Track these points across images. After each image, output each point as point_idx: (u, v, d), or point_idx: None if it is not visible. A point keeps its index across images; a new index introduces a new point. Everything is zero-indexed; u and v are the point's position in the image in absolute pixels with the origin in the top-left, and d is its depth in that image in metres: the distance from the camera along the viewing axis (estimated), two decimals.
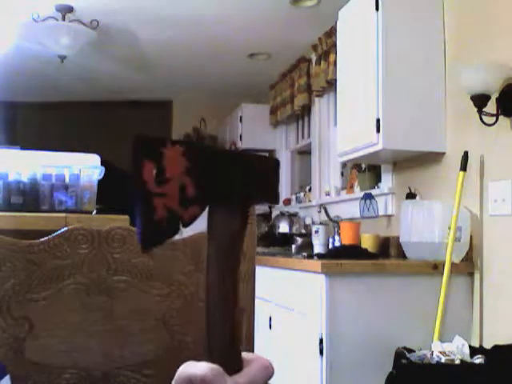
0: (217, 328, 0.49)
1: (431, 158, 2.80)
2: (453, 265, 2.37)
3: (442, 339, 2.25)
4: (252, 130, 5.31)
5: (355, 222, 3.22)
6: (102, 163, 1.69)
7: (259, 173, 0.51)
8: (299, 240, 3.79)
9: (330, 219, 3.54)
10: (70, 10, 3.68)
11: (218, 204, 0.48)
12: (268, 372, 0.49)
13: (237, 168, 0.49)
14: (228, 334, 0.49)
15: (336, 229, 3.37)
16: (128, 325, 0.97)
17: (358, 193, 3.52)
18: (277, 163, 0.53)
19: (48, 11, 3.66)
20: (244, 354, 0.50)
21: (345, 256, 2.57)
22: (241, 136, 5.32)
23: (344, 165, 3.93)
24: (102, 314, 0.96)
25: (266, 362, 0.50)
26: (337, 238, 3.32)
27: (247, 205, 0.51)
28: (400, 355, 2.13)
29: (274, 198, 0.52)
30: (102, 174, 1.67)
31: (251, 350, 1.03)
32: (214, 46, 4.39)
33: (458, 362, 2.02)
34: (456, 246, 2.38)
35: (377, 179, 3.49)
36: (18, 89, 5.53)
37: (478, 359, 2.05)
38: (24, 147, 2.69)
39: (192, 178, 0.46)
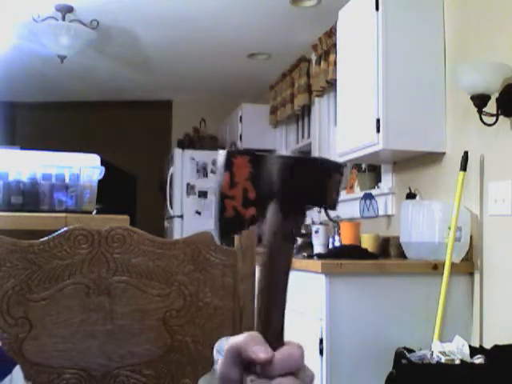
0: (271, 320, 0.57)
1: (431, 158, 2.80)
2: (453, 265, 2.37)
3: (441, 339, 2.25)
4: (252, 129, 5.31)
5: (355, 222, 3.22)
6: (102, 163, 1.69)
7: (313, 177, 0.55)
8: (299, 240, 3.79)
9: (330, 219, 3.54)
10: (70, 10, 3.68)
11: (274, 206, 0.54)
12: (302, 350, 0.54)
13: (291, 172, 0.54)
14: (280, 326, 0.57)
15: (336, 229, 3.36)
16: (128, 325, 0.97)
17: (358, 193, 3.52)
18: (336, 166, 0.55)
19: (48, 11, 3.66)
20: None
21: (345, 256, 2.57)
22: (241, 136, 5.32)
23: (344, 165, 3.93)
24: (102, 314, 0.96)
25: (297, 343, 0.55)
26: (337, 238, 3.31)
27: (300, 208, 0.55)
28: (400, 355, 2.13)
29: (326, 201, 0.55)
30: (102, 174, 1.67)
31: None
32: (214, 46, 4.39)
33: (457, 362, 2.02)
34: (456, 245, 2.38)
35: (377, 179, 3.49)
36: (17, 89, 5.53)
37: (478, 359, 2.05)
38: (24, 147, 2.69)
39: (253, 182, 0.54)
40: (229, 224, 0.56)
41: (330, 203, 0.55)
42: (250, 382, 0.51)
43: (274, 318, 0.58)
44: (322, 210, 4.57)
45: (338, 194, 0.56)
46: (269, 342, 0.54)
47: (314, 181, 0.54)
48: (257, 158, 0.56)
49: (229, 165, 0.54)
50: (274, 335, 0.56)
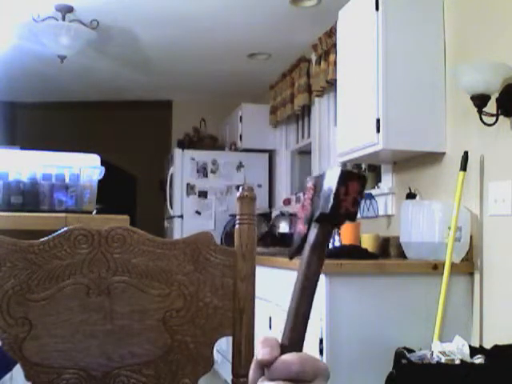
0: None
1: (431, 158, 2.80)
2: (453, 265, 2.37)
3: (441, 339, 2.25)
4: (252, 130, 5.31)
5: (355, 222, 3.22)
6: (102, 163, 1.69)
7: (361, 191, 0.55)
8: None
9: None
10: (70, 10, 3.68)
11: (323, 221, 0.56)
12: (307, 360, 0.53)
13: (347, 187, 0.54)
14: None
15: (336, 229, 3.36)
16: (128, 325, 0.97)
17: None
18: (356, 177, 0.54)
19: (48, 11, 3.66)
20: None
21: (345, 256, 2.57)
22: (241, 136, 5.32)
23: (344, 165, 3.93)
24: (102, 314, 0.96)
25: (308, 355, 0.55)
26: (337, 238, 3.31)
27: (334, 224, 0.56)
28: (400, 355, 2.13)
29: (332, 213, 0.55)
30: (102, 174, 1.67)
31: (251, 350, 1.03)
32: (214, 46, 4.39)
33: (457, 362, 2.02)
34: (456, 245, 2.38)
35: (377, 179, 3.49)
36: (17, 89, 5.53)
37: (478, 359, 2.05)
38: (24, 147, 2.69)
39: (311, 206, 0.57)
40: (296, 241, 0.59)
41: (336, 216, 0.55)
42: (259, 382, 0.53)
43: (294, 326, 0.58)
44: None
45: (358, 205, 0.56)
46: (284, 347, 0.55)
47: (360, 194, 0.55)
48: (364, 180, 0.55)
49: (343, 183, 0.54)
50: (290, 341, 0.56)
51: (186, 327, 1.00)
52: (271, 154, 5.44)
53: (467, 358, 2.05)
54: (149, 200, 7.01)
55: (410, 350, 2.17)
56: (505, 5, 2.38)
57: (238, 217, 1.05)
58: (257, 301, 1.05)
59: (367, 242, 2.97)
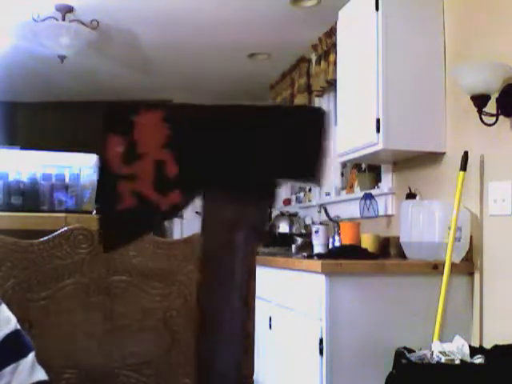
0: None
1: (431, 158, 2.80)
2: (453, 265, 2.37)
3: (441, 339, 2.25)
4: None
5: (355, 222, 3.22)
6: None
7: (282, 138, 0.34)
8: (299, 240, 3.79)
9: (330, 219, 3.54)
10: (70, 9, 3.68)
11: (216, 187, 0.34)
12: None
13: (244, 133, 0.33)
14: None
15: (336, 229, 3.36)
16: (128, 325, 0.97)
17: (358, 193, 3.52)
18: (316, 117, 0.35)
19: (48, 11, 3.66)
20: None
21: (345, 256, 2.57)
22: None
23: (344, 165, 3.93)
24: (102, 313, 0.96)
25: None
26: (337, 237, 3.31)
27: (263, 187, 0.35)
28: (400, 355, 2.13)
29: (305, 173, 0.36)
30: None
31: (251, 350, 1.03)
32: (214, 46, 4.39)
33: (457, 362, 2.02)
34: (456, 245, 2.38)
35: (377, 179, 3.48)
36: (17, 89, 5.53)
37: (478, 359, 2.05)
38: (24, 147, 2.69)
39: (174, 151, 0.33)
40: (128, 220, 0.33)
41: (309, 174, 0.36)
42: None
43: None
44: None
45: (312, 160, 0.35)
46: None
47: (288, 144, 0.33)
48: (177, 112, 0.34)
49: (122, 127, 0.33)
50: None
51: (186, 327, 1.00)
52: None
53: (467, 358, 2.05)
54: None
55: (410, 350, 2.17)
56: (505, 5, 2.38)
57: None
58: (257, 301, 1.05)
59: (367, 242, 2.97)
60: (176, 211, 0.35)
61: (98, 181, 0.35)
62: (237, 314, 0.42)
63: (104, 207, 0.34)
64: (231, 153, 0.33)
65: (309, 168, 0.36)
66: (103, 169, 0.33)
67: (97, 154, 0.36)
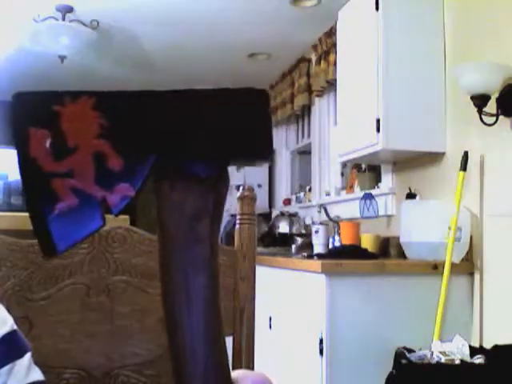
0: None
1: (431, 158, 2.80)
2: (453, 265, 2.37)
3: (442, 339, 2.25)
4: None
5: (355, 221, 3.22)
6: None
7: (229, 118, 0.34)
8: (299, 240, 3.79)
9: (330, 219, 3.54)
10: (70, 10, 3.68)
11: (164, 175, 0.33)
12: None
13: (186, 117, 0.32)
14: None
15: (336, 229, 3.36)
16: (128, 325, 0.97)
17: (358, 193, 3.52)
18: (257, 96, 0.34)
19: (48, 11, 3.66)
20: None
21: (345, 256, 2.57)
22: None
23: (344, 165, 3.93)
24: (102, 313, 0.96)
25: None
26: (337, 237, 3.31)
27: (214, 171, 0.34)
28: (400, 355, 2.13)
29: (253, 150, 0.35)
30: None
31: (251, 350, 1.03)
32: (214, 46, 4.39)
33: (457, 362, 2.02)
34: (456, 246, 2.38)
35: (377, 179, 3.49)
36: (18, 89, 5.51)
37: (478, 359, 2.05)
38: None
39: (113, 141, 0.30)
40: (69, 220, 0.30)
41: (257, 151, 0.36)
42: None
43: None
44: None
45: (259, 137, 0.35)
46: None
47: (236, 124, 0.33)
48: (110, 99, 0.31)
49: (46, 119, 0.29)
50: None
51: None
52: (271, 154, 5.43)
53: (467, 358, 2.05)
54: (149, 200, 7.01)
55: (410, 350, 2.17)
56: (504, 5, 2.38)
57: (238, 217, 1.05)
58: (257, 301, 1.05)
59: (367, 242, 2.97)
60: (126, 204, 0.32)
61: (24, 182, 0.32)
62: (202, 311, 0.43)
63: (36, 209, 0.31)
64: (175, 139, 0.33)
65: (256, 145, 0.37)
66: (29, 168, 0.31)
67: (17, 151, 0.32)
